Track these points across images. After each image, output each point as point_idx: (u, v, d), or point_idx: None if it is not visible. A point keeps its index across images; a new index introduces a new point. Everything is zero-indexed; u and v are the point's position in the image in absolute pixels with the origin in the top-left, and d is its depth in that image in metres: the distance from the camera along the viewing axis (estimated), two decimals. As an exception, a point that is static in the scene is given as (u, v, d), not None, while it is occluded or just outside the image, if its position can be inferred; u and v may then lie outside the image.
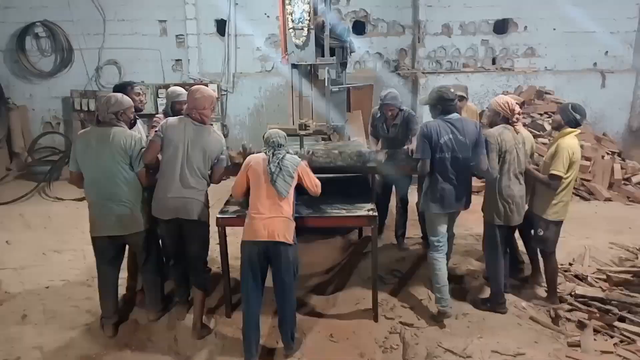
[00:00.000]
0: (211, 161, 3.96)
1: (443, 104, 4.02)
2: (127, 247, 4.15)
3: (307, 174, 3.83)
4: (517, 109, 4.19)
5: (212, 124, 4.08)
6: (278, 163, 3.66)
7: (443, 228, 4.20)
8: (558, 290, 4.58)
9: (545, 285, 4.64)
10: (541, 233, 4.36)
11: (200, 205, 3.94)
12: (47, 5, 9.03)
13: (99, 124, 3.85)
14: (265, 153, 3.75)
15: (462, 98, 5.38)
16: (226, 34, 9.37)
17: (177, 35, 9.40)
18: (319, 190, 3.88)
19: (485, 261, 4.63)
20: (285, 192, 3.63)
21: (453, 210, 4.19)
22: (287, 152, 3.80)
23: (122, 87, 4.41)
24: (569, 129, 4.22)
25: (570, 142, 4.15)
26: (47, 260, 5.48)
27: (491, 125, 4.32)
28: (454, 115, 4.05)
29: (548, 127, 8.31)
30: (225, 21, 9.33)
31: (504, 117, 4.19)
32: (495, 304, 4.37)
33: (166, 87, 8.72)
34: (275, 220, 3.58)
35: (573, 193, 7.40)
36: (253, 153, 4.13)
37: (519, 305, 4.45)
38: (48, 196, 7.84)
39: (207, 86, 4.32)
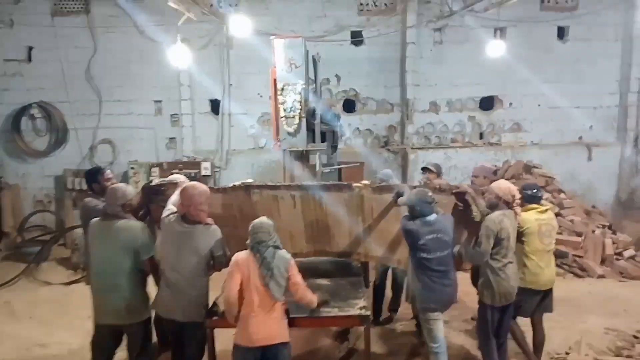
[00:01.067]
0: (207, 260, 3.90)
1: (422, 206, 4.09)
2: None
3: (295, 274, 3.69)
4: (517, 194, 4.38)
5: (210, 223, 3.98)
6: (269, 265, 3.52)
7: (441, 332, 4.16)
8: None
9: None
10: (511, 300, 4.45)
11: (196, 306, 3.89)
12: (44, 87, 9.29)
13: (106, 217, 3.92)
14: (252, 250, 3.58)
15: (426, 170, 5.68)
16: (220, 113, 9.60)
17: (171, 115, 9.62)
18: (303, 293, 3.73)
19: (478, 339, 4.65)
20: (280, 295, 3.54)
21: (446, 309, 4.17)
22: (275, 247, 3.61)
23: (93, 174, 4.58)
24: (530, 205, 4.51)
25: (525, 216, 4.45)
26: (30, 355, 5.30)
27: (490, 207, 4.38)
28: (432, 217, 4.10)
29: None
30: (219, 101, 9.57)
31: (505, 202, 4.31)
32: None
33: (159, 165, 8.87)
34: (269, 321, 3.49)
35: (566, 270, 7.50)
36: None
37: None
38: (36, 279, 7.69)
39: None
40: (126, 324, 3.92)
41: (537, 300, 4.63)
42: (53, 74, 9.26)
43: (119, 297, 3.84)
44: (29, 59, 9.32)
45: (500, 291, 4.24)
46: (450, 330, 5.49)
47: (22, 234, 9.21)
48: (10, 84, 9.29)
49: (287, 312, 3.69)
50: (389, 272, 5.83)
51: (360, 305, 4.08)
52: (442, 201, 4.46)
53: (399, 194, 4.47)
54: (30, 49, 9.30)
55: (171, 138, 9.67)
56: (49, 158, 9.47)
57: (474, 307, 4.79)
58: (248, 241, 3.63)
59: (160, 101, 9.56)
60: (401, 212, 4.52)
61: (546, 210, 4.60)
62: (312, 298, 3.84)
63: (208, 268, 3.92)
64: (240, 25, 6.78)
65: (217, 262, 3.89)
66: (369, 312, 4.02)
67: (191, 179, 5.04)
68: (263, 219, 3.69)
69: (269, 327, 3.48)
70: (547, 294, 4.67)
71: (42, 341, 5.58)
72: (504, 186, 4.39)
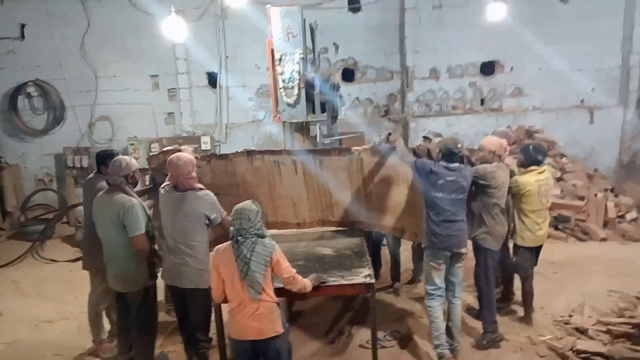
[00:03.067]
0: (202, 224, 3.94)
1: (450, 151, 4.27)
2: None
3: (281, 262, 3.40)
4: (507, 146, 4.66)
5: (202, 188, 4.05)
6: (245, 258, 3.26)
7: (439, 279, 4.35)
8: (559, 346, 4.58)
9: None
10: (514, 259, 4.87)
11: (197, 273, 3.92)
12: (39, 64, 9.15)
13: (108, 190, 4.06)
14: (231, 240, 3.34)
15: (426, 139, 5.70)
16: (217, 87, 9.49)
17: (169, 89, 9.51)
18: (293, 283, 3.49)
19: (477, 287, 4.79)
20: (256, 293, 3.27)
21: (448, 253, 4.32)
22: (257, 236, 3.32)
23: (105, 157, 4.54)
24: (532, 167, 4.68)
25: (525, 178, 4.64)
26: (40, 332, 5.36)
27: (484, 163, 4.57)
28: (456, 164, 4.29)
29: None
30: (216, 74, 9.45)
31: (498, 155, 4.51)
32: (490, 332, 4.65)
33: (159, 140, 8.82)
34: (259, 315, 3.30)
35: (569, 234, 7.52)
36: None
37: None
38: (42, 257, 7.74)
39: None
40: (125, 291, 4.13)
41: (534, 256, 4.92)
42: (47, 51, 9.12)
43: (116, 267, 4.09)
44: (22, 37, 9.16)
45: (498, 235, 4.53)
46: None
47: (25, 213, 9.24)
48: (5, 63, 9.16)
49: (278, 304, 3.45)
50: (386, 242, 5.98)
51: (365, 274, 4.09)
52: None
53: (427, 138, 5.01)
54: (23, 26, 9.12)
55: (169, 113, 9.60)
56: (48, 136, 9.41)
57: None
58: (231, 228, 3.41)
59: (156, 76, 9.44)
60: (401, 176, 4.64)
61: (543, 170, 4.73)
62: (304, 284, 3.60)
63: (206, 233, 3.96)
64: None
65: (214, 223, 3.96)
66: (373, 280, 4.03)
67: (205, 156, 5.08)
68: (246, 204, 3.38)
69: (258, 321, 3.30)
70: (539, 249, 4.97)
71: (50, 317, 5.66)
72: (495, 141, 4.63)
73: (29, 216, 9.21)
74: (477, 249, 4.68)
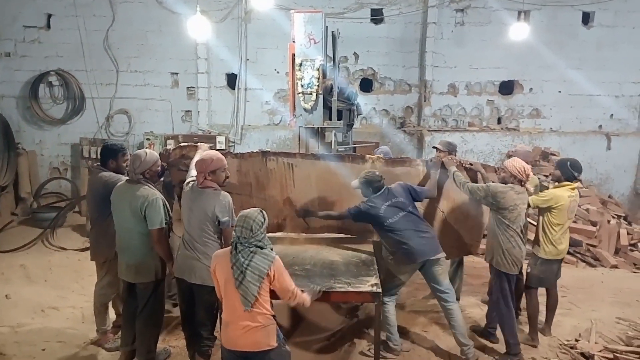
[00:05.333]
0: (214, 223, 3.95)
1: (372, 185, 4.47)
2: None
3: (281, 275, 3.20)
4: (531, 173, 4.58)
5: (220, 189, 4.03)
6: (241, 267, 3.10)
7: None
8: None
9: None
10: (529, 270, 4.81)
11: (206, 269, 3.93)
12: (62, 55, 9.29)
13: (129, 181, 4.10)
14: (231, 246, 3.20)
15: (437, 149, 5.65)
16: (236, 88, 9.56)
17: (188, 88, 9.59)
18: (291, 298, 3.32)
19: (497, 312, 4.74)
20: (248, 304, 3.10)
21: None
22: (256, 247, 3.15)
23: (114, 152, 4.56)
24: (565, 182, 4.74)
25: (559, 192, 4.68)
26: (45, 318, 5.39)
27: (503, 183, 4.59)
28: (382, 190, 4.49)
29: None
30: (235, 75, 9.53)
31: (519, 180, 4.48)
32: (513, 355, 4.57)
33: (175, 137, 8.89)
34: (251, 327, 3.15)
35: (579, 259, 7.44)
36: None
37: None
38: (51, 245, 7.81)
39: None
40: (136, 282, 4.15)
41: (556, 269, 4.93)
42: (71, 42, 9.26)
43: (130, 256, 4.10)
44: (48, 26, 9.30)
45: (514, 258, 4.50)
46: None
47: (38, 199, 9.32)
48: (29, 51, 9.29)
49: (274, 316, 3.27)
50: None
51: (371, 282, 4.07)
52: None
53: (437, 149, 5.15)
54: (50, 16, 9.27)
55: (187, 111, 9.68)
56: (66, 126, 9.53)
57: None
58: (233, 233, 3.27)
59: (177, 73, 9.54)
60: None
61: (575, 186, 4.80)
62: (303, 299, 3.41)
63: (217, 233, 3.96)
64: (261, -3, 6.67)
65: (223, 226, 3.93)
66: (380, 290, 4.01)
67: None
68: (251, 213, 3.19)
69: (250, 333, 3.15)
70: (561, 261, 5.00)
71: (56, 304, 5.68)
72: (519, 165, 4.53)
73: (41, 203, 9.29)
74: (494, 272, 4.65)
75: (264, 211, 3.25)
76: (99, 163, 4.68)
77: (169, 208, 4.17)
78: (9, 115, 9.34)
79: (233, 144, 9.53)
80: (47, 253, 7.53)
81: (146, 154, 4.11)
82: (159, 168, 4.27)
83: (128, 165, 4.17)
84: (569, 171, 4.73)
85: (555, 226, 4.72)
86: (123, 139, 9.36)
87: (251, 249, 3.12)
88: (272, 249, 3.24)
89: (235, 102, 9.60)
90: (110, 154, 4.55)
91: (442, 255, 4.47)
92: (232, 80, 9.64)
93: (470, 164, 4.94)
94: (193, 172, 4.19)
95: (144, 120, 9.52)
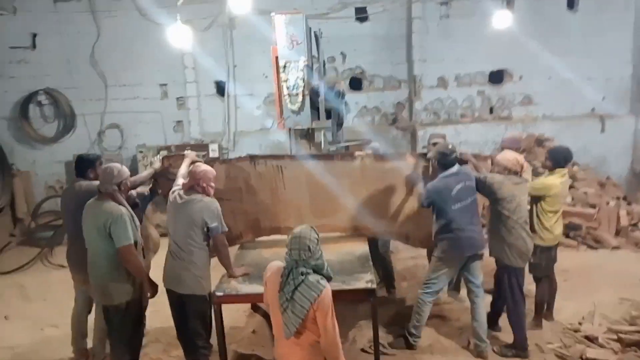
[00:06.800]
0: (202, 230, 3.91)
1: (445, 157, 4.41)
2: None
3: (324, 314, 2.81)
4: (526, 165, 4.66)
5: (206, 196, 4.04)
6: (292, 290, 2.81)
7: (447, 280, 4.59)
8: (568, 354, 4.52)
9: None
10: (531, 260, 4.75)
11: (194, 279, 3.89)
12: (49, 73, 9.27)
13: (99, 197, 3.86)
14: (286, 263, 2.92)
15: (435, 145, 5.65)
16: (226, 95, 9.55)
17: (177, 98, 9.58)
18: (334, 342, 2.86)
19: (506, 307, 4.70)
20: (290, 332, 2.85)
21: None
22: (311, 270, 2.85)
23: (91, 162, 4.47)
24: (556, 169, 4.80)
25: (551, 180, 4.75)
26: (44, 337, 5.38)
27: None
28: (455, 167, 4.42)
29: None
30: (224, 83, 9.51)
31: (514, 172, 4.49)
32: (520, 350, 4.54)
33: (167, 148, 8.87)
34: (298, 350, 2.91)
35: (580, 242, 7.39)
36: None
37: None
38: (50, 263, 7.80)
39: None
40: (105, 304, 3.94)
41: (554, 254, 4.97)
42: (58, 60, 9.25)
43: (97, 277, 3.90)
44: (34, 46, 9.29)
45: (519, 251, 4.47)
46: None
47: (36, 219, 9.30)
48: (16, 71, 9.27)
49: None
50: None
51: (366, 279, 4.05)
52: None
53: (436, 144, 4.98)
54: (35, 35, 9.27)
55: (178, 121, 9.66)
56: (59, 144, 9.50)
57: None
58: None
59: (165, 84, 9.52)
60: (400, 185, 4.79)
61: (566, 172, 4.87)
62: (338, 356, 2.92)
63: (206, 240, 3.92)
64: (239, 1, 6.62)
65: (212, 233, 3.88)
66: (375, 286, 3.99)
67: (208, 161, 5.04)
68: (302, 231, 2.89)
69: (298, 356, 2.92)
70: (557, 246, 5.02)
71: (54, 322, 5.65)
72: (511, 157, 4.53)
73: (39, 222, 9.27)
74: (501, 267, 4.61)
75: (314, 227, 2.98)
76: (83, 178, 4.45)
77: (137, 225, 3.98)
78: (1, 136, 9.33)
79: (226, 151, 9.51)
80: (46, 271, 7.51)
81: (121, 166, 3.97)
82: (130, 183, 4.08)
83: (100, 178, 3.95)
84: (559, 159, 4.81)
85: (549, 213, 4.74)
86: (116, 154, 9.33)
87: (304, 271, 2.82)
88: (328, 269, 2.97)
89: (225, 109, 9.59)
90: (88, 164, 4.44)
91: (483, 251, 4.52)
92: (221, 87, 9.63)
93: (461, 154, 4.91)
94: (179, 181, 4.18)
95: (135, 134, 9.50)
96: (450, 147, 4.50)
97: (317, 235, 2.93)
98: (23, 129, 9.33)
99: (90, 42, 9.20)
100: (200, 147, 8.98)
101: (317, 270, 2.89)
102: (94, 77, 9.33)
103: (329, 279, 2.96)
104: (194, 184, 3.98)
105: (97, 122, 9.50)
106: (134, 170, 6.67)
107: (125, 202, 3.92)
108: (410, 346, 4.60)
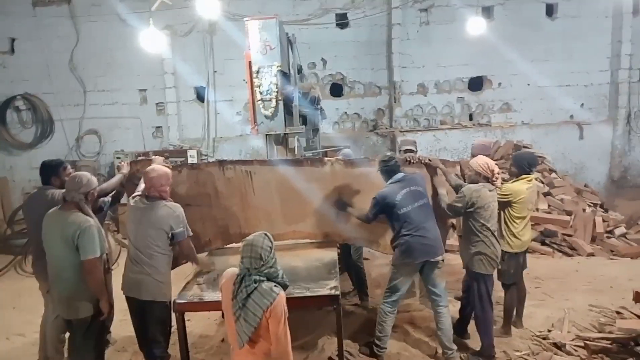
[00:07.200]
0: (166, 235, 3.87)
1: (387, 165, 4.41)
2: None
3: (277, 322, 2.78)
4: (496, 169, 4.48)
5: (170, 200, 4.01)
6: (245, 298, 2.77)
7: (404, 288, 4.42)
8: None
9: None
10: (500, 267, 4.67)
11: (155, 285, 3.83)
12: (28, 78, 9.23)
13: (63, 206, 3.72)
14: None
15: (409, 151, 5.63)
16: (205, 101, 9.53)
17: (157, 103, 9.56)
18: (285, 351, 2.84)
19: (475, 314, 4.67)
20: (242, 341, 2.79)
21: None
22: (264, 278, 2.81)
23: (55, 168, 4.35)
24: (522, 176, 4.77)
25: (517, 187, 4.69)
26: (10, 345, 5.28)
27: (471, 183, 4.53)
28: (400, 175, 4.41)
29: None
30: (204, 88, 9.49)
31: (485, 177, 4.44)
32: (487, 357, 4.51)
33: (145, 154, 8.78)
34: (251, 358, 2.87)
35: (555, 249, 7.42)
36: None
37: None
38: (24, 271, 7.68)
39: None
40: (69, 318, 3.77)
41: (522, 261, 4.91)
42: (36, 65, 9.21)
43: (62, 289, 3.71)
44: (12, 51, 9.25)
45: (490, 258, 4.44)
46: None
47: (12, 226, 9.18)
48: (-6, 76, 9.24)
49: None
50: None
51: (330, 286, 4.02)
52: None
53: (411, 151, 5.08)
54: (13, 40, 9.22)
55: (157, 127, 9.64)
56: (36, 150, 9.44)
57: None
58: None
59: (144, 90, 9.50)
60: (370, 190, 4.62)
61: (532, 178, 4.83)
62: None
63: (168, 246, 3.87)
64: (207, 5, 6.57)
65: (177, 238, 3.83)
66: (338, 292, 3.95)
67: (177, 166, 4.98)
68: (255, 239, 2.84)
69: None
70: (526, 252, 4.97)
71: (22, 330, 5.56)
72: (482, 162, 4.50)
73: (15, 229, 9.15)
74: (471, 275, 4.59)
75: (268, 234, 2.90)
76: (48, 185, 4.33)
77: (104, 237, 3.87)
78: (-22, 142, 9.26)
79: (206, 157, 9.47)
80: (19, 279, 7.40)
81: (91, 176, 3.83)
82: (96, 193, 3.95)
83: (67, 185, 3.76)
84: (523, 165, 4.78)
85: (517, 219, 4.71)
86: (94, 159, 9.29)
87: (257, 279, 2.78)
88: (283, 276, 2.91)
89: (205, 115, 9.56)
90: (52, 171, 4.32)
91: (443, 257, 4.41)
92: (201, 93, 9.61)
93: (429, 160, 4.90)
94: (141, 186, 4.12)
95: (114, 139, 9.46)
96: (389, 154, 4.55)
97: (271, 243, 2.87)
98: (0, 135, 9.24)
99: (69, 47, 9.17)
100: (179, 152, 8.94)
101: (271, 278, 2.83)
102: (73, 83, 9.30)
103: (284, 286, 2.93)
104: (149, 189, 3.92)
105: (75, 127, 9.44)
106: (111, 177, 6.62)
107: (91, 212, 3.78)
108: (375, 356, 4.55)
